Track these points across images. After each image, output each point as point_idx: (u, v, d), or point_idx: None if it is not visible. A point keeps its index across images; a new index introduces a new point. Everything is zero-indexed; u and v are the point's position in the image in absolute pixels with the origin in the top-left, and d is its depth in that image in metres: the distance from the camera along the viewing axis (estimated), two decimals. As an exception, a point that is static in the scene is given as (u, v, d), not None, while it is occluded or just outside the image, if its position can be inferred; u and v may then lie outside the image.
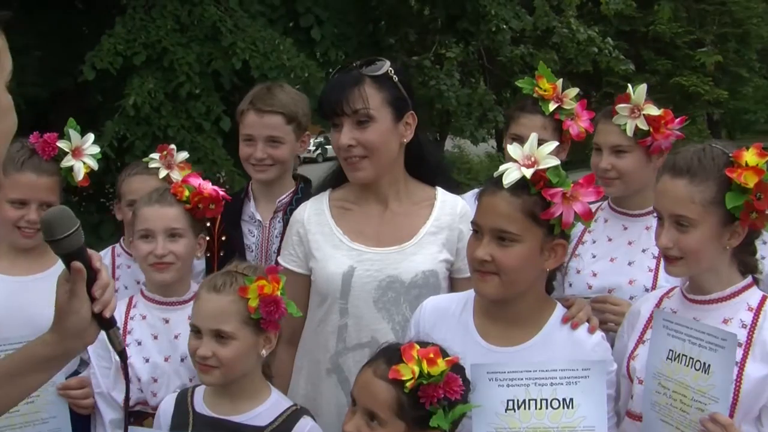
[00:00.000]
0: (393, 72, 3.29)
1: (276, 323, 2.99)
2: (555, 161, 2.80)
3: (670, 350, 2.81)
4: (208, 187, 3.55)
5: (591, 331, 2.98)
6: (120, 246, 4.16)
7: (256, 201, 4.10)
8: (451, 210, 3.43)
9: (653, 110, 3.60)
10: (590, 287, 3.57)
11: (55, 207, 2.28)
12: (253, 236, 4.04)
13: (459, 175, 23.99)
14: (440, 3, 11.37)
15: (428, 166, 3.49)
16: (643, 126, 3.59)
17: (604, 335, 3.03)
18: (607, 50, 14.44)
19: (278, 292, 2.96)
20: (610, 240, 3.71)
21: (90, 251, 2.21)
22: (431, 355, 2.63)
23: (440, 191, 3.48)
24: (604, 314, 3.35)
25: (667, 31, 26.09)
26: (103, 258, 4.04)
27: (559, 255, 2.89)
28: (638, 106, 3.60)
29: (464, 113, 13.42)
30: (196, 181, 3.55)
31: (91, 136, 3.84)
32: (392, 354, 2.74)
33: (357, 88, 3.24)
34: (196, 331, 2.99)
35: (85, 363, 3.59)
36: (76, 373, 3.60)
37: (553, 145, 2.89)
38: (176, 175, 3.88)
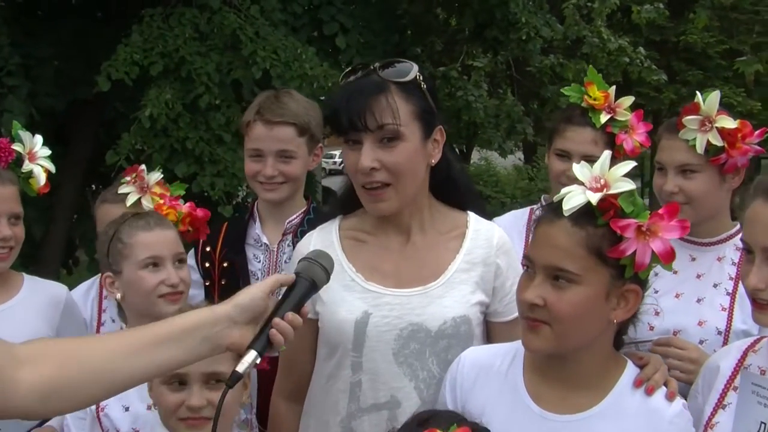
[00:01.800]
0: (421, 78, 2.74)
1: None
2: (630, 185, 2.27)
3: (762, 423, 2.34)
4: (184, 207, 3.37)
5: (670, 397, 2.44)
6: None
7: (262, 222, 3.64)
8: (486, 241, 2.87)
9: (728, 122, 3.08)
10: (652, 328, 3.05)
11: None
12: (259, 262, 3.59)
13: (486, 187, 23.74)
14: (468, 11, 11.05)
15: (457, 189, 2.95)
16: (717, 141, 3.06)
17: (685, 403, 2.50)
18: (638, 60, 14.11)
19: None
20: (675, 272, 3.12)
21: None
22: None
23: (473, 218, 2.93)
24: (668, 359, 2.86)
25: (699, 41, 25.69)
26: (89, 288, 3.80)
27: (630, 304, 2.36)
28: (710, 118, 3.07)
29: (492, 125, 13.17)
30: (174, 202, 3.37)
31: (39, 138, 3.46)
32: None
33: (383, 96, 2.64)
34: (179, 382, 2.60)
35: None
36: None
37: (630, 165, 2.35)
38: (147, 202, 3.50)
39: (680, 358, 2.92)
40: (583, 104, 3.62)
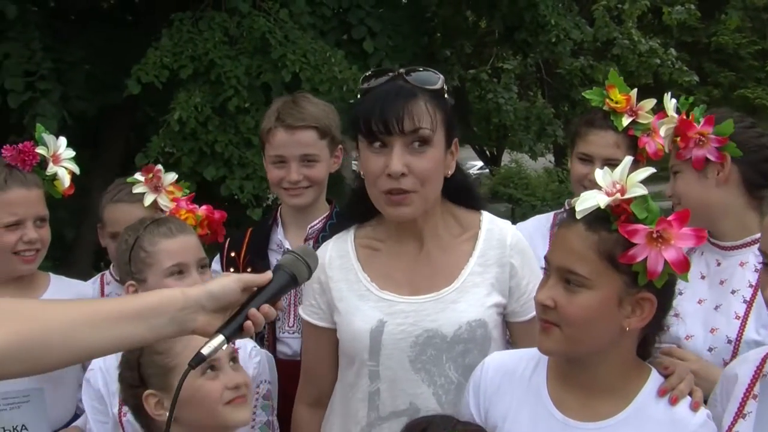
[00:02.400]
0: (446, 89, 2.71)
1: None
2: (641, 191, 2.20)
3: None
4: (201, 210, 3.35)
5: (695, 407, 2.36)
6: (110, 274, 3.81)
7: (285, 228, 3.60)
8: (499, 241, 2.81)
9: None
10: (667, 329, 2.99)
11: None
12: None
13: (516, 190, 23.64)
14: (498, 14, 11.01)
15: (470, 191, 2.91)
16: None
17: (710, 413, 2.40)
18: (669, 62, 14.03)
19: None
20: (703, 277, 3.11)
21: None
22: None
23: (486, 217, 2.87)
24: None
25: (731, 42, 25.50)
26: (91, 285, 3.81)
27: (645, 313, 2.27)
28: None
29: (522, 127, 13.15)
30: (191, 206, 3.35)
31: (63, 140, 3.45)
32: None
33: (417, 101, 2.61)
34: (211, 369, 2.59)
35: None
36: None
37: (649, 171, 2.28)
38: (164, 201, 3.50)
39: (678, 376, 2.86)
40: (605, 107, 3.58)
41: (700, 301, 3.08)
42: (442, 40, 12.19)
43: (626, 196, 2.21)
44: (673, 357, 2.81)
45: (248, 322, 2.05)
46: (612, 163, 2.39)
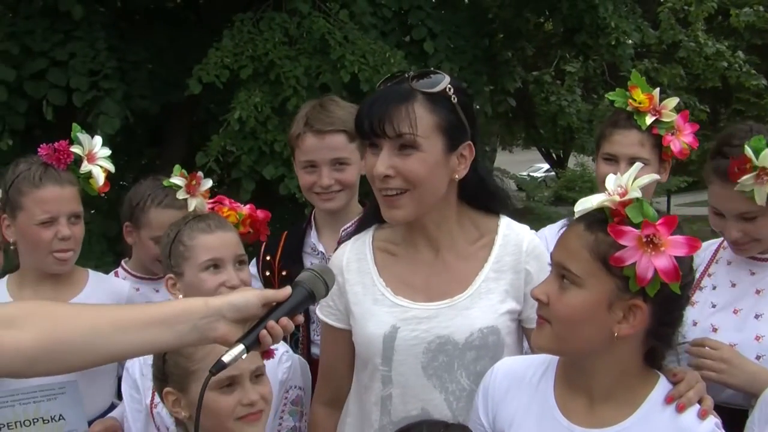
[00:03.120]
0: (452, 91, 2.66)
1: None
2: (635, 194, 2.19)
3: None
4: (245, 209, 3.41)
5: (702, 415, 2.31)
6: (123, 269, 3.92)
7: (318, 231, 3.63)
8: (516, 247, 2.78)
9: None
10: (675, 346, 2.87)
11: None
12: None
13: (580, 193, 23.40)
14: (558, 16, 10.95)
15: (493, 199, 2.86)
16: None
17: (718, 422, 2.35)
18: (737, 65, 13.80)
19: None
20: (734, 286, 3.08)
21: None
22: None
23: (504, 222, 2.84)
24: (699, 359, 2.85)
25: (803, 46, 25.02)
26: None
27: (636, 321, 2.23)
28: (766, 170, 2.85)
29: (585, 130, 13.03)
30: (234, 204, 3.43)
31: (99, 139, 3.51)
32: None
33: (405, 105, 2.61)
34: (228, 385, 2.58)
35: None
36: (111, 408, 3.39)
37: (652, 177, 2.30)
38: (198, 203, 3.53)
39: (712, 357, 2.86)
40: (629, 108, 3.55)
41: (735, 311, 3.05)
42: (503, 41, 12.13)
43: (622, 199, 2.19)
44: (705, 347, 2.85)
45: (264, 332, 2.12)
46: (637, 161, 2.37)
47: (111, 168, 3.48)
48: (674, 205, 15.25)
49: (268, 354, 2.31)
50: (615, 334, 2.24)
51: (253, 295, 2.17)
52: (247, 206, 3.51)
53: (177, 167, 3.64)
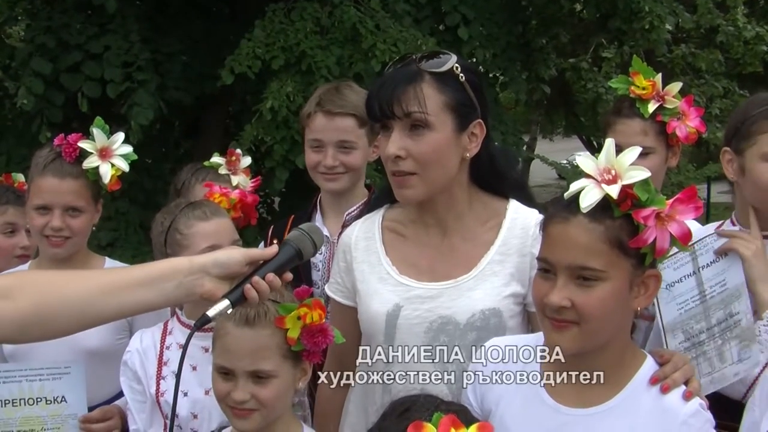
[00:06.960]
0: (460, 69, 2.69)
1: (320, 354, 2.61)
2: (644, 173, 2.18)
3: None
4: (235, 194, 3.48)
5: (687, 396, 2.29)
6: None
7: (323, 214, 3.66)
8: (523, 230, 2.77)
9: None
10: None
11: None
12: (320, 253, 3.56)
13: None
14: (592, 1, 10.85)
15: (502, 181, 2.88)
16: None
17: (703, 404, 2.32)
18: (779, 48, 13.65)
19: (324, 319, 2.57)
20: None
21: None
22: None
23: (513, 206, 2.84)
24: (731, 240, 2.81)
25: None
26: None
27: (651, 290, 2.27)
28: None
29: (623, 117, 12.90)
30: (224, 190, 3.48)
31: (121, 135, 3.52)
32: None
33: (413, 86, 2.64)
34: (225, 373, 2.60)
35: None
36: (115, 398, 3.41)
37: (637, 150, 2.27)
38: (241, 180, 3.68)
39: (745, 239, 2.83)
40: (631, 95, 3.49)
41: None
42: (537, 28, 12.06)
43: (628, 182, 2.18)
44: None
45: (249, 287, 2.17)
46: (642, 152, 2.34)
47: (125, 167, 3.45)
48: (716, 192, 15.06)
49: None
50: (638, 309, 2.28)
51: (237, 252, 2.23)
52: (237, 191, 3.56)
53: (216, 154, 3.78)
